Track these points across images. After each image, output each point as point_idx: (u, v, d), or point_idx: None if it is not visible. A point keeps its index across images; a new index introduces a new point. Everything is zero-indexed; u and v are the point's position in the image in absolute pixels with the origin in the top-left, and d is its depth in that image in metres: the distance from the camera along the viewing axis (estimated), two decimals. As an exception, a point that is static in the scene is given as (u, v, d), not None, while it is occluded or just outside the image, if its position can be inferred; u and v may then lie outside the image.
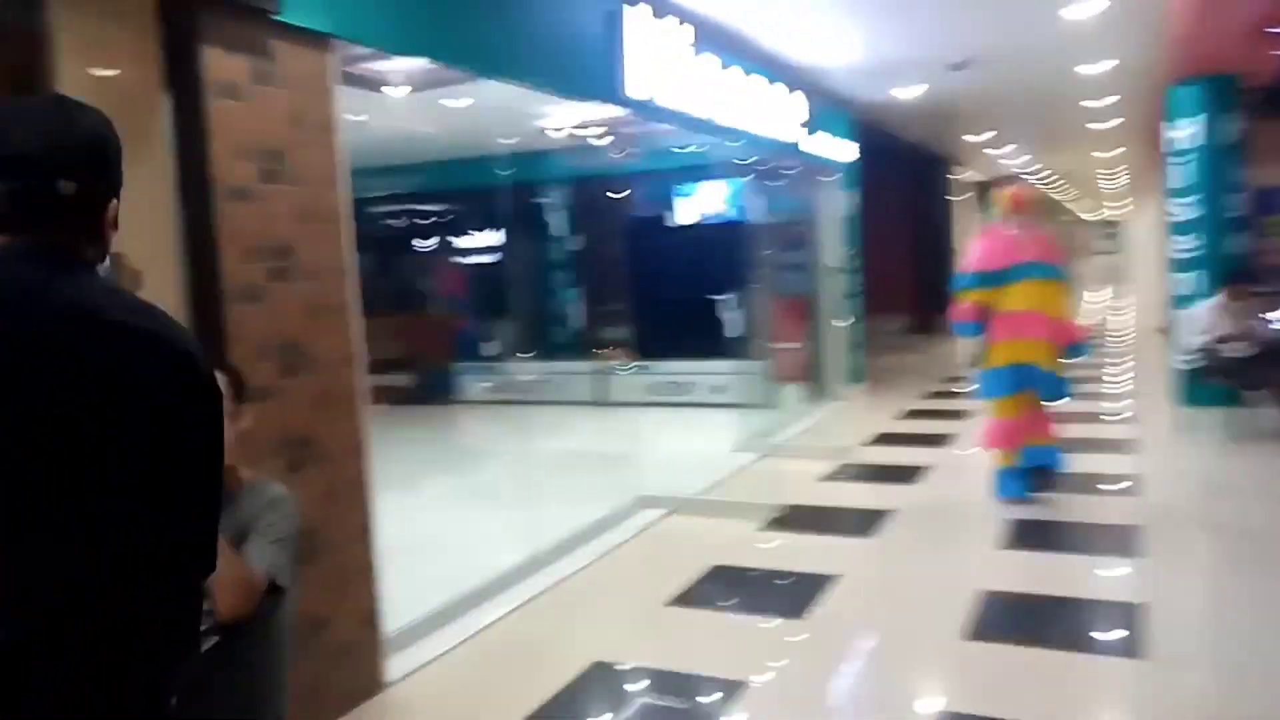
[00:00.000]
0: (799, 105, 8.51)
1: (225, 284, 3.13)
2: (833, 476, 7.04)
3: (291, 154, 3.40)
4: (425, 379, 11.42)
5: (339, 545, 3.54)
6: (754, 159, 9.94)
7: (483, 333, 11.54)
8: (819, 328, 10.19)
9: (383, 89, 6.68)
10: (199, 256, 3.13)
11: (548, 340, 11.41)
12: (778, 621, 4.27)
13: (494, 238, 11.78)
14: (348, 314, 3.64)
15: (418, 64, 5.33)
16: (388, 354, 11.50)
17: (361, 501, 3.68)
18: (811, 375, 10.06)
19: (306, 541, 3.39)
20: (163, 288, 3.11)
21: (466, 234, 11.92)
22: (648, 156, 10.57)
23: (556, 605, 4.63)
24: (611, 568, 5.20)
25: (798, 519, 5.89)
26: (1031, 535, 5.40)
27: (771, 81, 7.79)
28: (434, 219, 12.08)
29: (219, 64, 3.14)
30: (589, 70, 5.48)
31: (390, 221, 12.43)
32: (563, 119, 9.11)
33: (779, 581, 4.85)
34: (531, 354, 11.23)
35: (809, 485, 6.76)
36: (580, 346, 11.12)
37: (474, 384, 11.45)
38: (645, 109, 5.91)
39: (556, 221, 11.30)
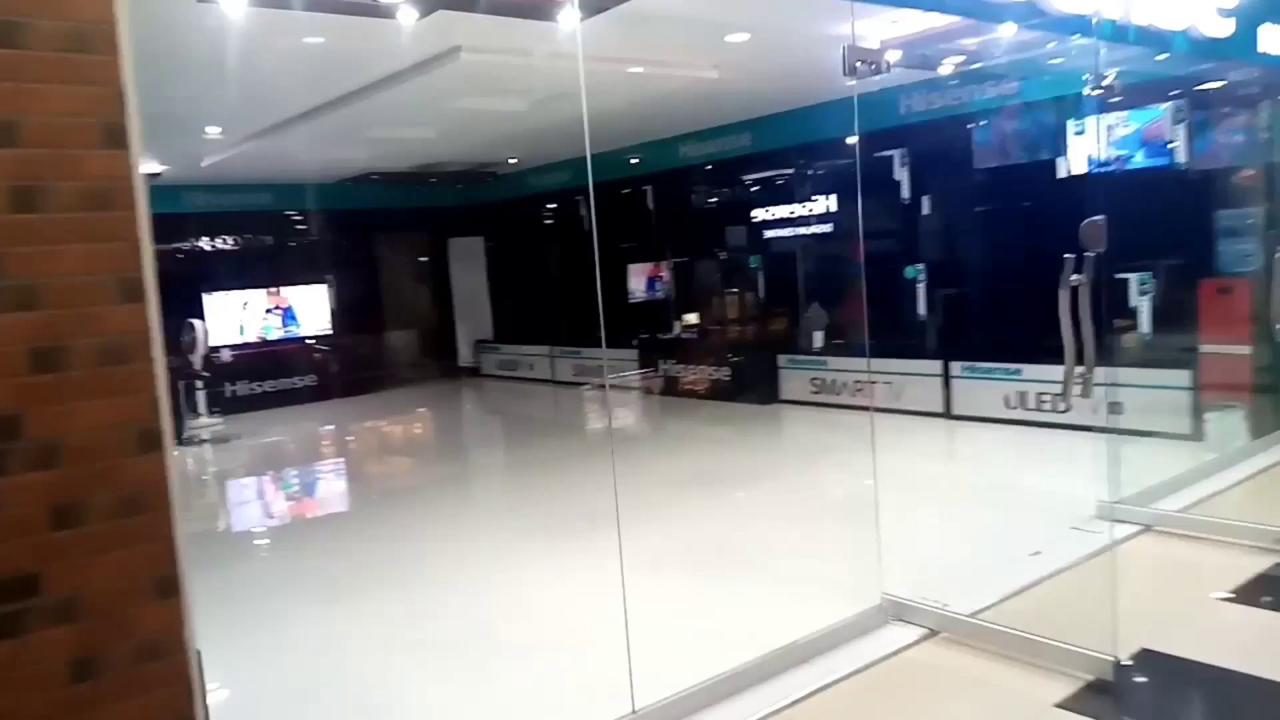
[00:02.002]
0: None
1: None
2: (1254, 591, 4.17)
3: (-2, 92, 1.96)
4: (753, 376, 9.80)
5: (108, 756, 2.09)
6: (1179, 75, 6.86)
7: (807, 321, 9.60)
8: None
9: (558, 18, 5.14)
10: None
11: (881, 330, 9.09)
12: None
13: (815, 205, 9.70)
14: (138, 361, 2.14)
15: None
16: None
17: (178, 676, 2.19)
18: (1261, 394, 6.71)
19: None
20: None
21: (789, 201, 9.97)
22: (1014, 86, 7.89)
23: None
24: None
25: (1146, 689, 3.34)
26: None
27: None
28: (759, 186, 10.31)
29: None
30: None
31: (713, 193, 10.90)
32: (874, 38, 6.85)
33: None
34: (861, 347, 9.04)
35: (1199, 606, 4.03)
36: (921, 340, 8.71)
37: (796, 381, 9.57)
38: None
39: (891, 182, 8.93)
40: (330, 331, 12.84)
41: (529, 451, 9.29)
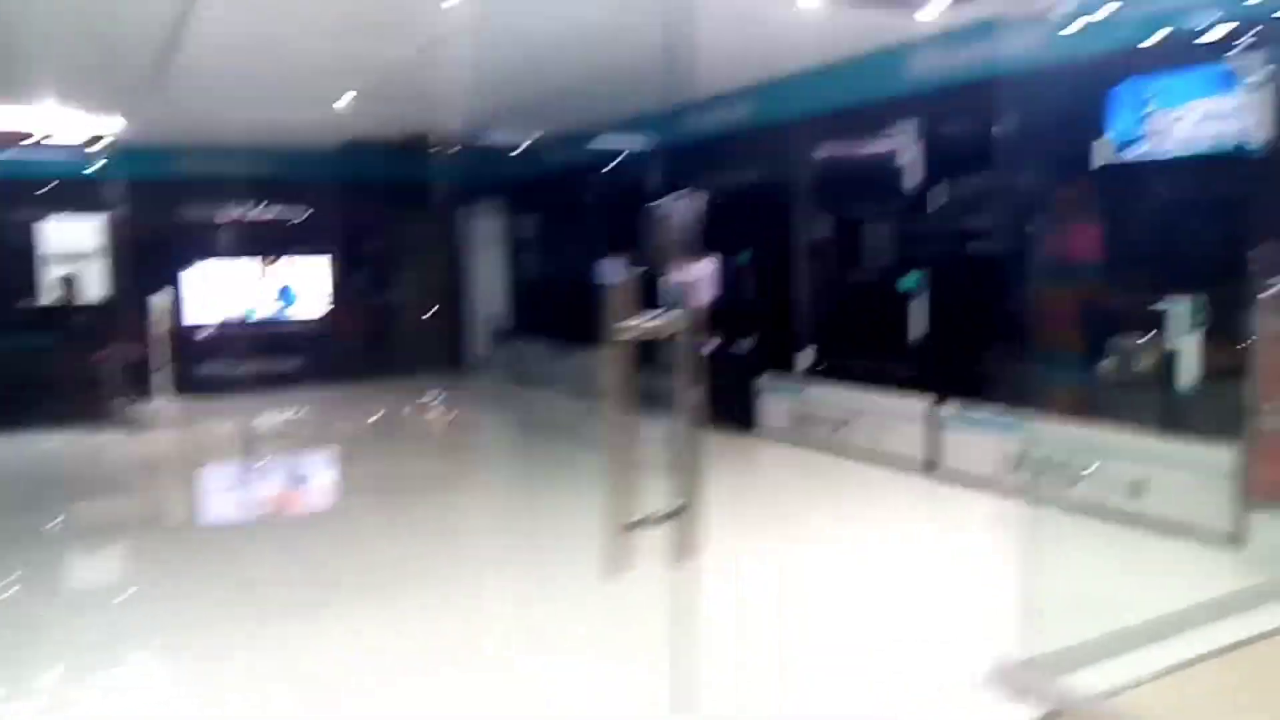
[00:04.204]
0: None
1: None
2: None
3: None
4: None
5: None
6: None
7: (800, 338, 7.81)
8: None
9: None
10: None
11: (868, 353, 7.21)
12: None
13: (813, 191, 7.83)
14: None
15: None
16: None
17: None
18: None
19: None
20: None
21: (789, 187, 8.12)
22: (1062, 40, 5.94)
23: None
24: None
25: None
26: None
27: None
28: (766, 166, 8.48)
29: None
30: None
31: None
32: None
33: None
34: (847, 372, 7.22)
35: None
36: (912, 369, 6.76)
37: (776, 409, 7.80)
38: None
39: (896, 168, 7.00)
40: (326, 312, 11.90)
41: (402, 473, 7.96)
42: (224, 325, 11.39)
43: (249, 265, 11.54)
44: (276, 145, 11.13)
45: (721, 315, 8.41)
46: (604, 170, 10.73)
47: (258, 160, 11.34)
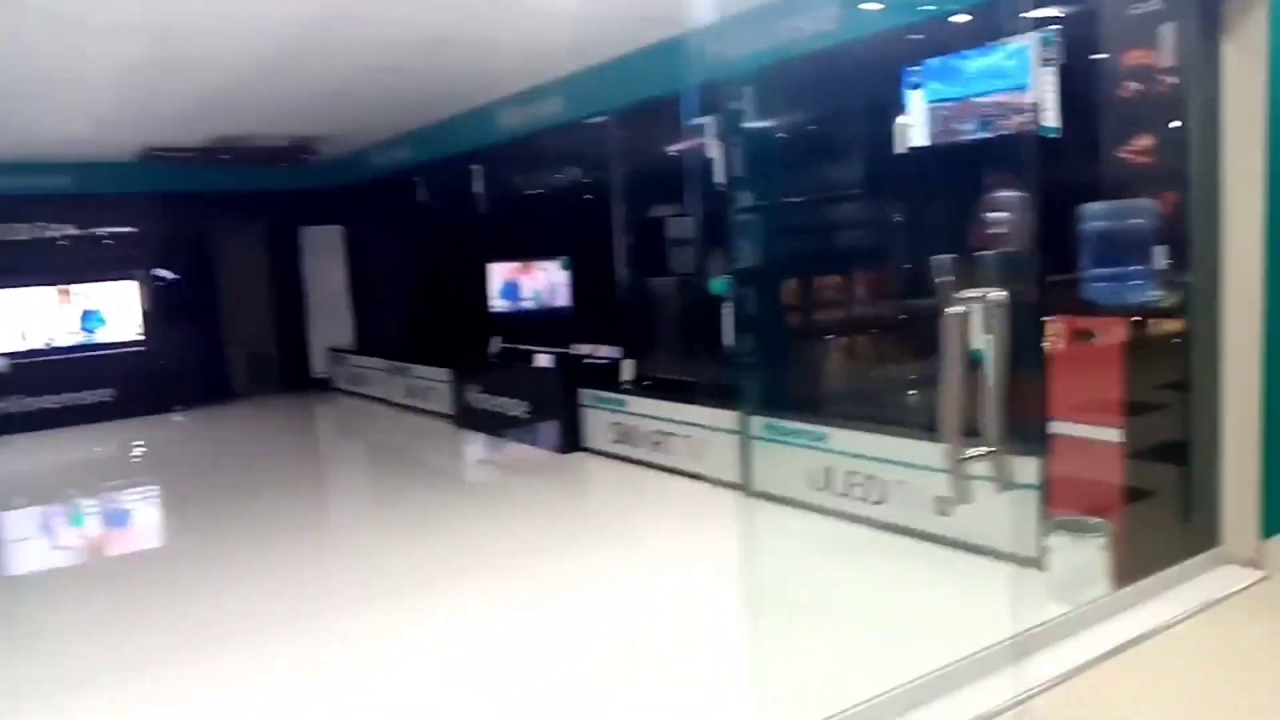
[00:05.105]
0: None
1: None
2: None
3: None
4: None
5: None
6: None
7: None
8: (1207, 382, 4.15)
9: None
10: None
11: (683, 364, 6.74)
12: None
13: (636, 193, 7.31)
14: None
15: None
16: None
17: None
18: (1139, 507, 4.14)
19: None
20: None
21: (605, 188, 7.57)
22: (861, 16, 5.52)
23: None
24: None
25: None
26: None
27: None
28: (579, 166, 7.90)
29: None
30: None
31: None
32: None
33: None
34: (669, 386, 6.73)
35: None
36: (725, 383, 6.28)
37: (600, 424, 7.24)
38: None
39: (704, 160, 6.50)
40: (144, 337, 10.91)
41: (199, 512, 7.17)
42: (25, 355, 10.35)
43: (48, 291, 10.50)
44: (68, 158, 10.12)
45: (543, 326, 7.87)
46: (424, 176, 10.07)
47: (63, 175, 10.33)
